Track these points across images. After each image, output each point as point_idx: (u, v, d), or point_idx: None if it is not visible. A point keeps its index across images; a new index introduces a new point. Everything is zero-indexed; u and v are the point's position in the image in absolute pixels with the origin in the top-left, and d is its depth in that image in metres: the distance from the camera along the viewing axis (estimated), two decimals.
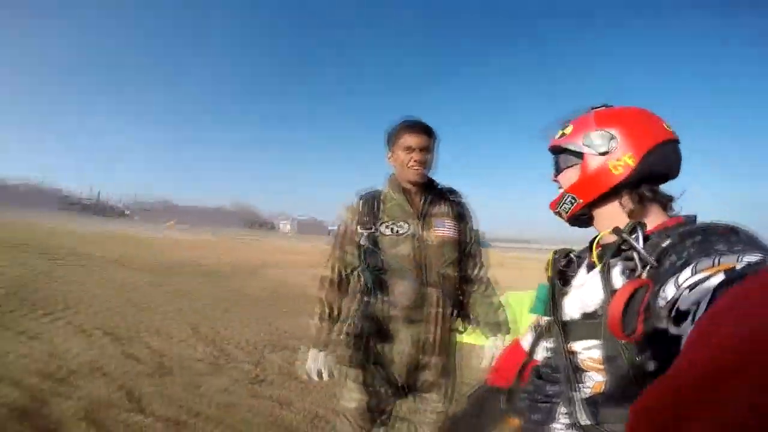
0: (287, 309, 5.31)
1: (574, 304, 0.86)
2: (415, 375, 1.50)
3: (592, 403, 0.78)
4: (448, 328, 1.48)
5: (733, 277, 0.48)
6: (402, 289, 1.42)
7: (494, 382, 1.23)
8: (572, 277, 0.93)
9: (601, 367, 0.78)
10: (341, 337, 1.49)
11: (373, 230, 1.44)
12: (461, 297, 1.55)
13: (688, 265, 0.58)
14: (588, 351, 0.81)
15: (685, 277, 0.56)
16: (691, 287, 0.53)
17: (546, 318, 0.99)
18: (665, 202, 0.83)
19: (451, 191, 1.58)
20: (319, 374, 1.48)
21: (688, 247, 0.64)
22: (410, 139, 1.41)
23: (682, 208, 0.83)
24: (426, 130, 1.44)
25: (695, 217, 0.79)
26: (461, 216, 1.55)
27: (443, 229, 1.47)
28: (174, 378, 2.77)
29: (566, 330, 0.86)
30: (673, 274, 0.60)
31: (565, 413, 0.83)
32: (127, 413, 2.21)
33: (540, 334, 1.04)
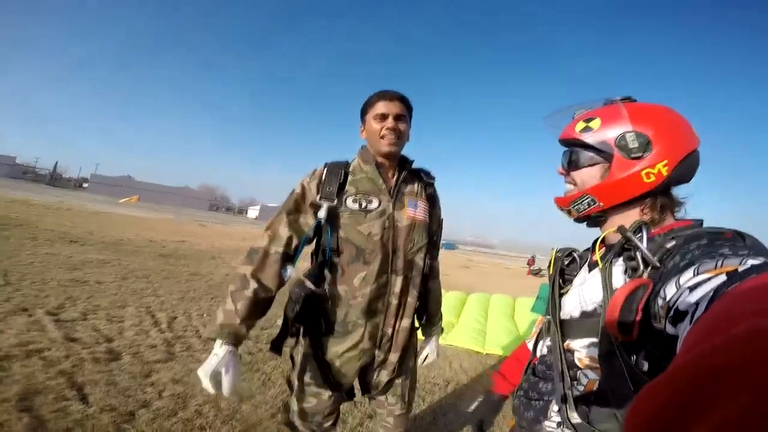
0: None
1: (574, 302, 0.84)
2: (369, 374, 1.35)
3: (584, 402, 0.77)
4: (410, 321, 1.34)
5: (734, 278, 0.47)
6: (362, 275, 1.25)
7: (499, 390, 1.19)
8: (573, 276, 0.91)
9: (597, 365, 0.77)
10: (281, 323, 1.22)
11: (335, 203, 1.24)
12: (423, 289, 1.41)
13: (691, 266, 0.57)
14: (585, 349, 0.80)
15: (687, 277, 0.55)
16: (692, 288, 0.52)
17: (547, 316, 0.97)
18: (675, 206, 0.82)
19: (425, 172, 1.44)
20: (216, 379, 1.07)
21: (692, 250, 0.63)
22: (383, 106, 1.28)
23: (687, 212, 0.82)
24: (400, 98, 1.31)
25: (702, 221, 0.78)
26: (433, 200, 1.42)
27: (415, 210, 1.33)
28: (122, 365, 2.57)
29: (564, 328, 0.85)
30: (675, 274, 0.59)
31: (558, 411, 0.82)
32: (66, 401, 2.02)
33: (540, 332, 1.03)
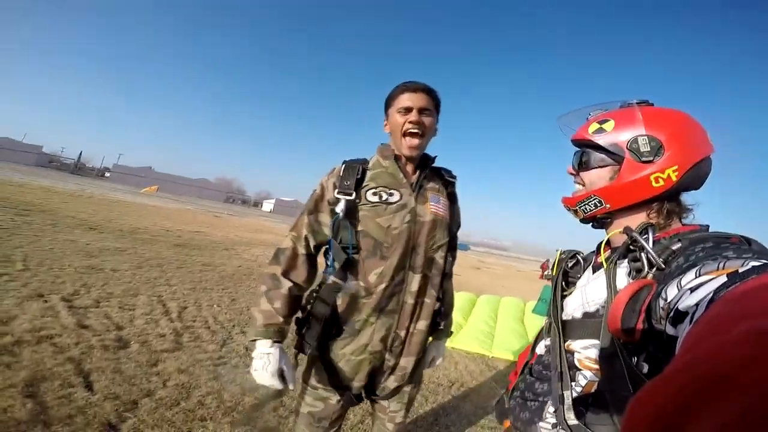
0: None
1: (576, 303, 0.84)
2: (377, 377, 1.27)
3: (581, 403, 0.77)
4: (426, 325, 1.25)
5: (735, 279, 0.46)
6: (379, 270, 1.17)
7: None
8: (577, 278, 0.91)
9: (596, 366, 0.77)
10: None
11: (354, 197, 1.19)
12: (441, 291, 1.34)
13: (694, 267, 0.57)
14: (586, 350, 0.80)
15: (689, 279, 0.55)
16: (693, 289, 0.52)
17: (547, 317, 0.97)
18: (683, 213, 0.81)
19: (447, 170, 1.39)
20: (281, 376, 1.13)
21: (697, 252, 0.64)
22: (407, 99, 1.20)
23: (695, 217, 0.82)
24: (426, 89, 1.22)
25: (708, 226, 0.78)
26: (453, 199, 1.36)
27: (438, 206, 1.26)
28: (130, 353, 2.61)
29: (566, 329, 0.85)
30: (677, 275, 0.58)
31: (554, 412, 0.81)
32: (71, 388, 2.05)
33: (540, 333, 1.02)
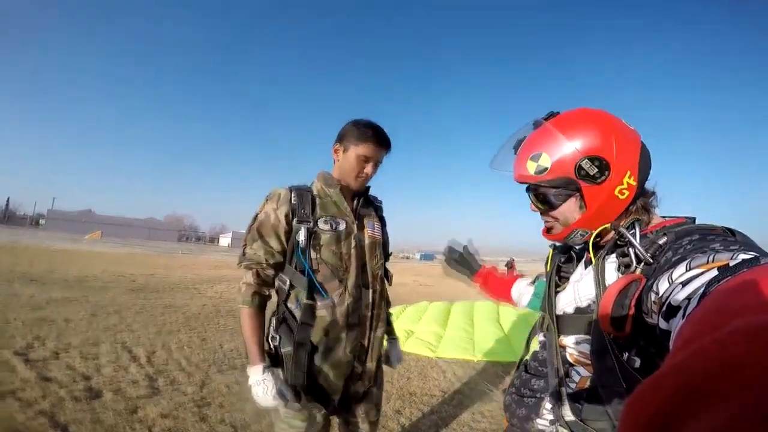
0: (232, 327, 4.91)
1: (568, 299, 0.86)
2: (350, 387, 1.38)
3: (577, 399, 0.78)
4: (383, 331, 1.44)
5: (726, 273, 0.47)
6: (339, 291, 1.31)
7: (477, 279, 1.27)
8: (570, 273, 0.92)
9: (588, 361, 0.78)
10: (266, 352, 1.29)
11: (312, 225, 1.29)
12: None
13: (683, 261, 0.57)
14: (578, 345, 0.82)
15: (679, 272, 0.55)
16: (684, 283, 0.52)
17: (541, 313, 0.98)
18: (652, 198, 0.83)
19: (374, 197, 1.58)
20: (282, 396, 1.19)
21: (684, 245, 0.64)
22: (373, 151, 1.33)
23: (660, 197, 0.84)
24: (389, 145, 1.39)
25: (694, 219, 0.78)
26: (383, 221, 1.56)
27: (374, 230, 1.45)
28: (105, 402, 2.42)
29: (559, 324, 0.86)
30: (667, 269, 0.59)
31: (550, 409, 0.83)
32: None
33: (534, 329, 1.03)
